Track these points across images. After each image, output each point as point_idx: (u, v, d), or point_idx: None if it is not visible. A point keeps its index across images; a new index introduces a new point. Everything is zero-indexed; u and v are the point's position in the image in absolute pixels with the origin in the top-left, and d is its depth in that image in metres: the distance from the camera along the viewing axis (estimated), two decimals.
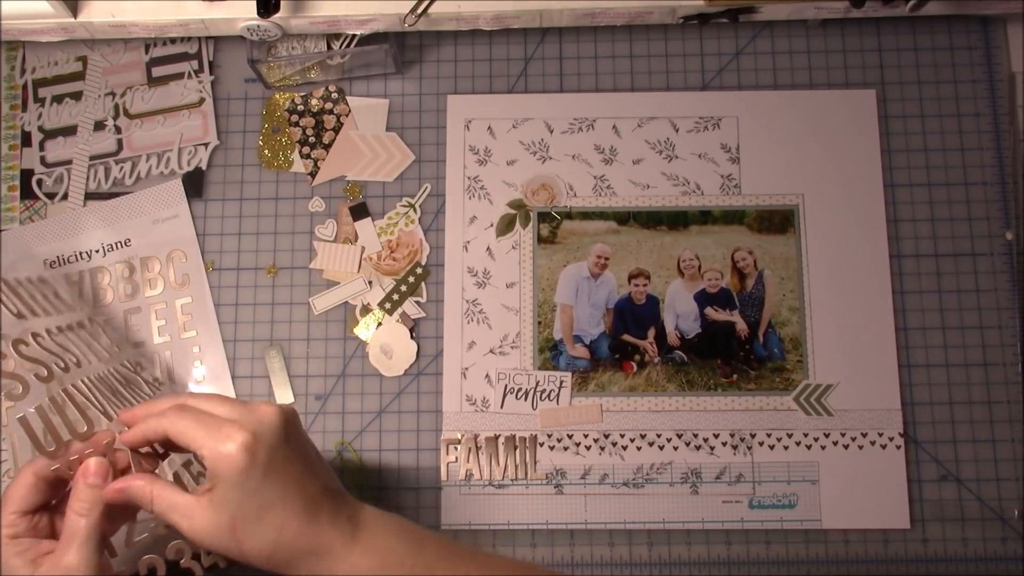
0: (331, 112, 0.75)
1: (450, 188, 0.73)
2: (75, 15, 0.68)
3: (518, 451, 0.69)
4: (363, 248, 0.73)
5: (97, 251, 0.73)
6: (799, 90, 0.75)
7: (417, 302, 0.72)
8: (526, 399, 0.70)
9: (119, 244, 0.73)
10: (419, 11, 0.66)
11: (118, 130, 0.75)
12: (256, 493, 0.48)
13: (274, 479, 0.49)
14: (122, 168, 0.75)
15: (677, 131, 0.74)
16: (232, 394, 0.71)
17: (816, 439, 0.69)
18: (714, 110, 0.74)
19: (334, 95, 0.75)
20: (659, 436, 0.69)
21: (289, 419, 0.51)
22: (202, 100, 0.76)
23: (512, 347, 0.71)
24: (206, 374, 0.71)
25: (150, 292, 0.72)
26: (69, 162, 0.75)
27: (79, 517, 0.49)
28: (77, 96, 0.76)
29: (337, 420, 0.71)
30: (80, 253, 0.73)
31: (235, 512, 0.48)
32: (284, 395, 0.71)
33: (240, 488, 0.48)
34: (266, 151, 0.75)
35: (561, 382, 0.70)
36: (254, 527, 0.48)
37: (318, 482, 0.51)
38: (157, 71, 0.76)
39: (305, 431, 0.54)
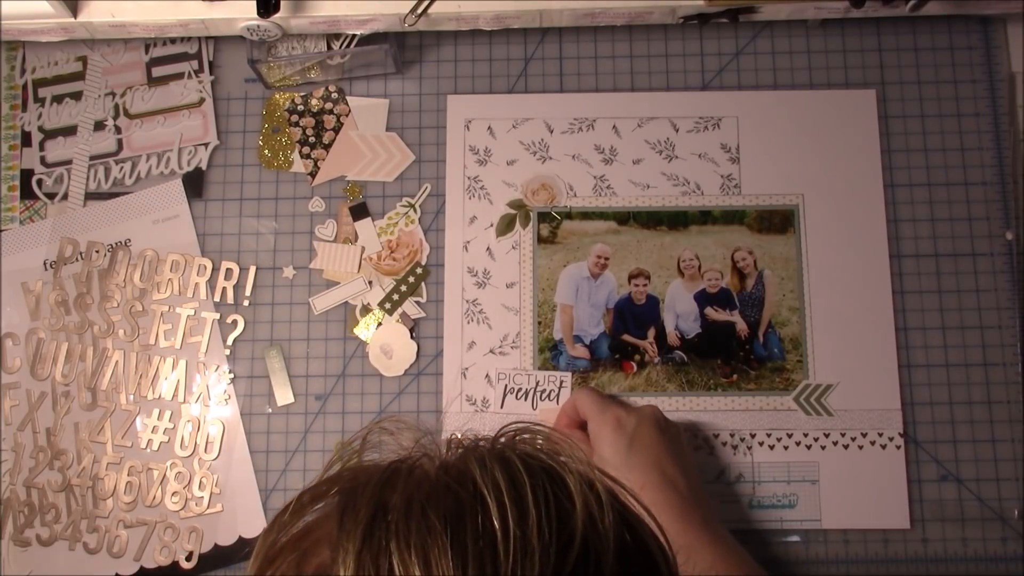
0: (331, 112, 0.75)
1: (450, 188, 0.73)
2: (75, 15, 0.68)
3: None
4: (363, 248, 0.73)
5: (97, 252, 0.73)
6: (799, 90, 0.75)
7: (417, 302, 0.72)
8: (526, 399, 0.70)
9: (119, 244, 0.73)
10: (419, 11, 0.66)
11: (118, 130, 0.75)
12: (623, 455, 0.61)
13: (638, 449, 0.61)
14: (122, 168, 0.75)
15: (677, 131, 0.74)
16: (232, 397, 0.71)
17: (816, 439, 0.69)
18: (714, 110, 0.74)
19: (334, 95, 0.75)
20: None
21: (660, 417, 0.64)
22: (202, 100, 0.76)
23: (512, 347, 0.71)
24: (210, 380, 0.71)
25: (157, 296, 0.72)
26: (69, 162, 0.75)
27: None
28: (77, 96, 0.76)
29: (337, 420, 0.71)
30: (80, 253, 0.73)
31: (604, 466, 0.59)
32: (284, 395, 0.71)
33: (610, 448, 0.61)
34: (266, 151, 0.75)
35: (561, 382, 0.70)
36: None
37: (678, 471, 0.61)
38: (157, 71, 0.76)
39: (680, 436, 0.64)
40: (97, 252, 0.73)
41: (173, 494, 0.69)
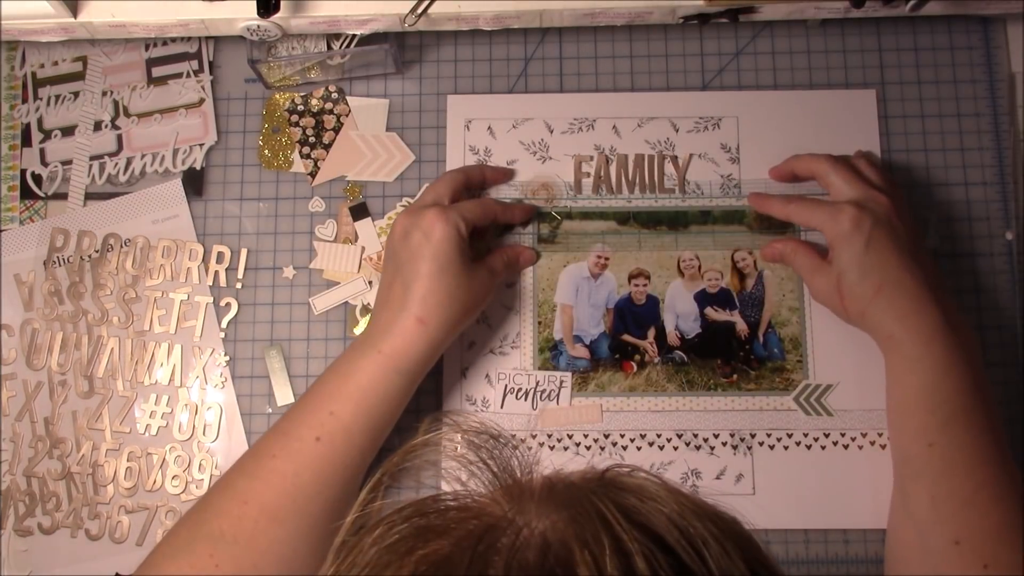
0: (331, 112, 0.75)
1: None
2: (75, 15, 0.68)
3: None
4: (363, 248, 0.73)
5: (97, 251, 0.73)
6: (799, 90, 0.75)
7: None
8: (526, 399, 0.70)
9: (119, 244, 0.73)
10: (419, 11, 0.66)
11: (117, 129, 0.75)
12: (850, 259, 0.62)
13: (874, 251, 0.61)
14: (121, 167, 0.75)
15: (677, 131, 0.74)
16: (229, 379, 0.71)
17: (816, 439, 0.69)
18: (714, 110, 0.74)
19: (334, 95, 0.75)
20: (659, 436, 0.69)
21: (895, 215, 0.63)
22: (202, 100, 0.76)
23: (512, 347, 0.71)
24: (206, 364, 0.71)
25: (150, 282, 0.72)
26: (69, 162, 0.75)
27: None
28: (77, 96, 0.76)
29: None
30: (72, 244, 0.73)
31: (840, 273, 0.63)
32: (284, 395, 0.71)
33: (839, 253, 0.63)
34: (266, 151, 0.75)
35: (561, 382, 0.70)
36: (855, 287, 0.62)
37: (913, 271, 0.61)
38: (157, 71, 0.76)
39: (917, 231, 0.66)
40: (97, 252, 0.73)
41: (173, 478, 0.70)
